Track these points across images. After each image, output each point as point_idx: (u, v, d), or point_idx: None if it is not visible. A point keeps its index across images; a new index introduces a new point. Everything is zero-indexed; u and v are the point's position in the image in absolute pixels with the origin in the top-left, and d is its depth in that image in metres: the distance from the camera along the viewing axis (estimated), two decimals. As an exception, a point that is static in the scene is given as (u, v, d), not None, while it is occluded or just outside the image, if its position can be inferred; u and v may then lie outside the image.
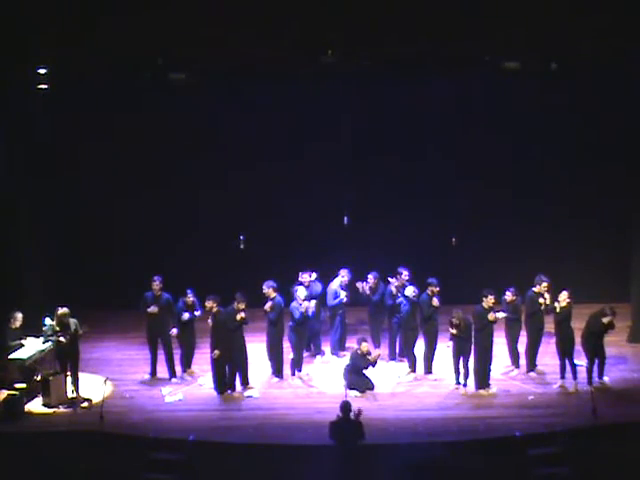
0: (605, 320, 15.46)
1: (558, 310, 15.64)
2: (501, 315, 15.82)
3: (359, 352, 15.72)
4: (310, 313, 16.21)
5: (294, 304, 16.15)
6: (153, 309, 16.27)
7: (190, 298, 16.31)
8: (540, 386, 15.84)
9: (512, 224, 19.37)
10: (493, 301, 15.60)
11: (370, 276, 17.04)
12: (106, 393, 15.27)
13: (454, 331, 15.47)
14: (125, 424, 14.65)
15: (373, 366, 15.74)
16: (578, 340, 15.81)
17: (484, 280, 16.77)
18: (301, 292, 16.21)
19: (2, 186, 17.35)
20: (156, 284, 16.33)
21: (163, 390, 15.97)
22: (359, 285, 17.00)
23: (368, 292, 17.02)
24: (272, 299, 16.00)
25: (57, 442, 14.16)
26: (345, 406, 12.96)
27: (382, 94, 18.56)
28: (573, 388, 15.58)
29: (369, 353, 15.75)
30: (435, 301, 16.06)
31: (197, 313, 16.38)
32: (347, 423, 12.89)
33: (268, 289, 16.02)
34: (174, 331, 16.36)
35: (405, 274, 16.71)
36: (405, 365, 16.59)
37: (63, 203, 19.19)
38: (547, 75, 17.16)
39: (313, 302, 16.40)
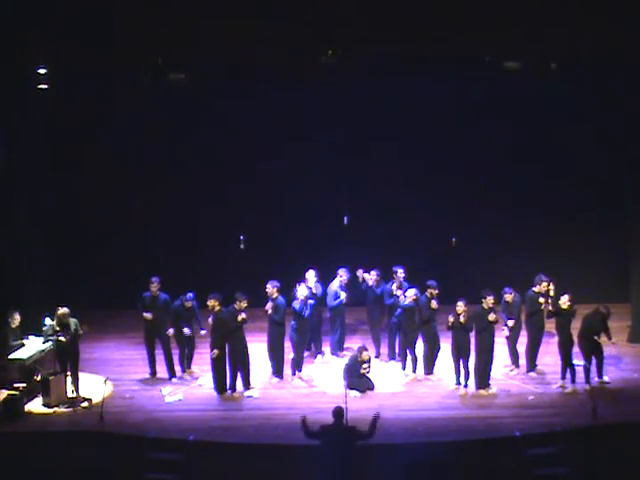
0: (599, 317, 15.54)
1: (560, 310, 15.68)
2: (511, 323, 15.98)
3: (358, 359, 15.76)
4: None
5: (296, 303, 16.16)
6: (147, 315, 16.28)
7: (189, 303, 16.25)
8: (540, 386, 15.84)
9: (512, 224, 19.36)
10: (493, 302, 15.61)
11: (373, 272, 17.06)
12: (106, 393, 15.25)
13: (462, 319, 15.40)
14: (125, 424, 14.64)
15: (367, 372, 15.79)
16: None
17: (484, 280, 16.76)
18: (301, 290, 16.21)
19: (2, 186, 17.33)
20: (154, 285, 16.32)
21: (163, 390, 15.97)
22: (360, 273, 17.00)
23: (370, 283, 17.01)
24: (274, 299, 15.97)
25: (57, 442, 14.16)
26: (338, 412, 12.76)
27: (382, 94, 18.54)
28: (572, 388, 15.59)
29: (367, 362, 15.79)
30: (434, 303, 16.03)
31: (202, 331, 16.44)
32: (340, 429, 12.71)
33: (272, 289, 15.98)
34: (171, 331, 16.35)
35: (400, 272, 16.74)
36: (399, 366, 16.62)
37: (63, 203, 19.17)
38: (547, 75, 17.16)
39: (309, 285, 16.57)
